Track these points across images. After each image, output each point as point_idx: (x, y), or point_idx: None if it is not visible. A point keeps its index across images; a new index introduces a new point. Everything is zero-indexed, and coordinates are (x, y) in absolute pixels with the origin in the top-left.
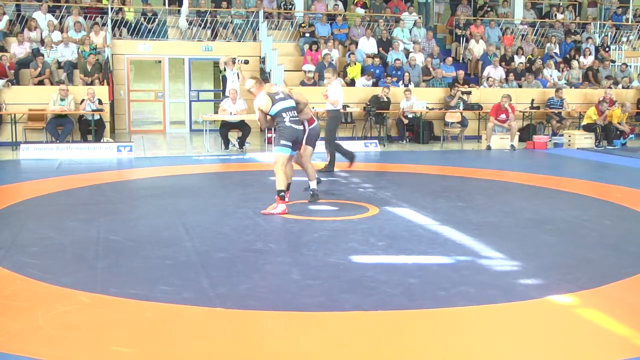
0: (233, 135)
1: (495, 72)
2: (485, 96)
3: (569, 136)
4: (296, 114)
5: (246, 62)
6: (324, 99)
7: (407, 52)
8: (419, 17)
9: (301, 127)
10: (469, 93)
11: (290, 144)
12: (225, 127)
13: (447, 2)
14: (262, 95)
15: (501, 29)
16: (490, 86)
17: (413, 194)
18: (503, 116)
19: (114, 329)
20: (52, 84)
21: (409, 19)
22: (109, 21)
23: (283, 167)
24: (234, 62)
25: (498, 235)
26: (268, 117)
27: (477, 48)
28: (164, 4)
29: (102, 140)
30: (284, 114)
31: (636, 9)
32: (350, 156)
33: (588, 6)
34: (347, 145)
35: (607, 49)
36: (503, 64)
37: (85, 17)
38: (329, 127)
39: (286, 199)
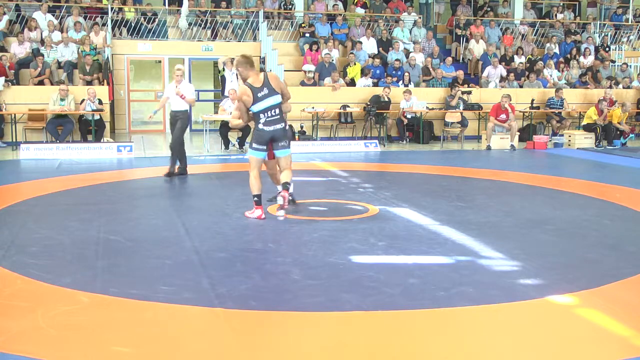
0: (233, 135)
1: (495, 72)
2: (485, 96)
3: (569, 136)
4: (277, 112)
5: None
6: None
7: (407, 52)
8: (419, 17)
9: (279, 126)
10: (469, 93)
11: (263, 147)
12: (225, 127)
13: (447, 2)
14: (244, 89)
15: (501, 29)
16: (502, 87)
17: (413, 194)
18: (503, 116)
19: (114, 329)
20: (52, 84)
21: (409, 19)
22: (109, 21)
23: (256, 172)
24: (232, 63)
25: (498, 235)
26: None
27: (477, 48)
28: (164, 4)
29: (102, 140)
30: (261, 115)
31: (636, 9)
32: (182, 167)
33: (588, 6)
34: (346, 145)
35: (607, 49)
36: (503, 64)
37: (85, 17)
38: (183, 128)
39: (284, 203)
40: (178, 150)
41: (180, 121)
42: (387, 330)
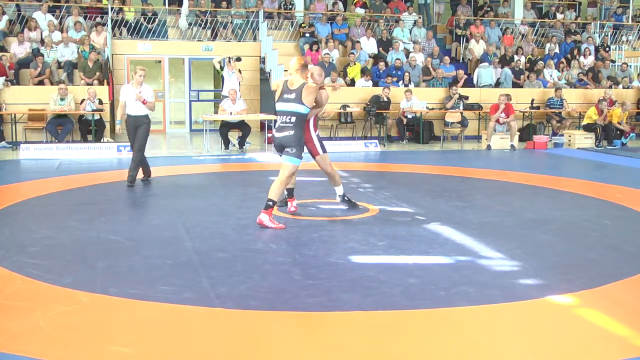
0: (233, 135)
1: (495, 72)
2: (485, 96)
3: (569, 136)
4: (289, 120)
5: (238, 59)
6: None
7: (407, 52)
8: (419, 17)
9: (284, 134)
10: (466, 98)
11: (278, 153)
12: (225, 127)
13: (447, 2)
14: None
15: (501, 29)
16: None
17: (413, 194)
18: (502, 114)
19: (114, 329)
20: (52, 84)
21: (409, 19)
22: (109, 21)
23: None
24: (230, 61)
25: (498, 235)
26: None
27: (477, 48)
28: (164, 4)
29: (102, 140)
30: (277, 117)
31: (636, 9)
32: (148, 174)
33: (588, 6)
34: (346, 145)
35: (607, 49)
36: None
37: (85, 17)
38: (147, 136)
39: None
40: (142, 161)
41: (144, 128)
42: (387, 330)
